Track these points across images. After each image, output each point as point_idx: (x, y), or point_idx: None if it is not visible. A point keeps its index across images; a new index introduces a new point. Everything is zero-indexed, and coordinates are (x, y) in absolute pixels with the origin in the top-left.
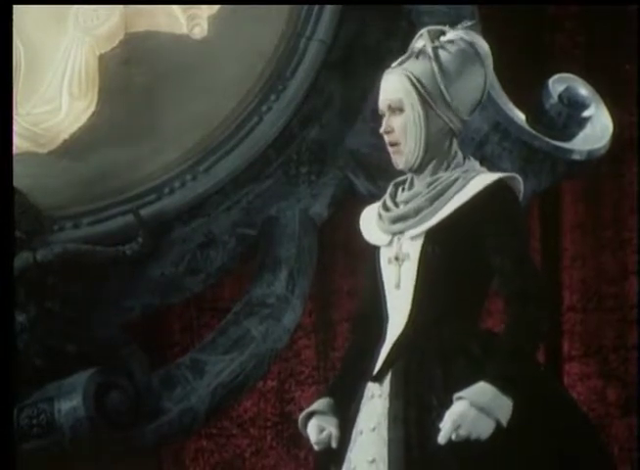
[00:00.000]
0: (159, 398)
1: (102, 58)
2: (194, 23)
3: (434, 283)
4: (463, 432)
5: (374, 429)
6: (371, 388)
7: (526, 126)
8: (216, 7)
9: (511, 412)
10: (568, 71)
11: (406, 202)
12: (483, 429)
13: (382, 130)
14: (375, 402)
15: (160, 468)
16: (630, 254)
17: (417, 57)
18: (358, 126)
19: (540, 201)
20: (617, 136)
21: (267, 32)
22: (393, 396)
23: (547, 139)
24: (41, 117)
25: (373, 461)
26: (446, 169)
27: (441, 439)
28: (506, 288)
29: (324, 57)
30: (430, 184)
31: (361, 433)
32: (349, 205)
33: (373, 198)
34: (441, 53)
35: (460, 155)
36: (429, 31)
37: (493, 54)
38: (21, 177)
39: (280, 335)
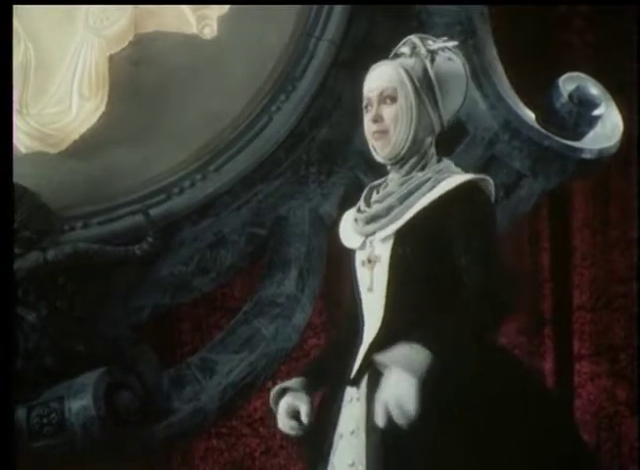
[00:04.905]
0: (168, 397)
1: (112, 58)
2: (204, 23)
3: (406, 285)
4: (391, 401)
5: (353, 432)
6: (350, 391)
7: (537, 125)
8: (226, 7)
9: (429, 366)
10: (578, 71)
11: (379, 201)
12: (405, 388)
13: (369, 119)
14: (354, 406)
15: (170, 467)
16: None
17: (410, 56)
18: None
19: (550, 200)
20: (627, 135)
21: (277, 33)
22: (370, 399)
23: (557, 138)
24: (51, 117)
25: (352, 465)
26: (422, 169)
27: (379, 421)
28: (468, 287)
29: (333, 57)
30: (402, 184)
31: (341, 437)
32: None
33: None
34: (436, 57)
35: (435, 156)
36: (419, 38)
37: (504, 53)
38: (31, 177)
39: (290, 334)
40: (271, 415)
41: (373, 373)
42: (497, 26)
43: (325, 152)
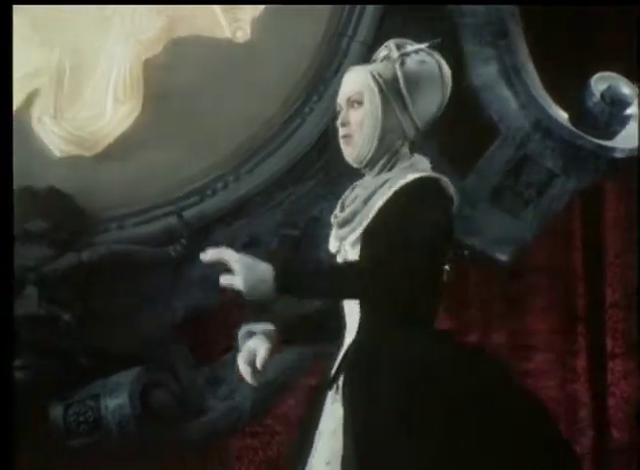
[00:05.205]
0: (203, 396)
1: (146, 62)
2: (236, 26)
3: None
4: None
5: (334, 432)
6: (331, 394)
7: (569, 125)
8: (259, 10)
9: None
10: (610, 70)
11: (348, 205)
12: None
13: (338, 123)
14: (335, 407)
15: (205, 466)
16: None
17: (382, 61)
18: None
19: (582, 199)
20: None
21: (308, 35)
22: (346, 401)
23: (589, 137)
24: (86, 121)
25: (328, 463)
26: (390, 170)
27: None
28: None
29: (365, 57)
30: (367, 187)
31: (321, 436)
32: None
33: None
34: (407, 60)
35: (408, 158)
36: (395, 43)
37: (535, 53)
38: (66, 180)
39: None
40: (305, 413)
41: (349, 375)
42: (529, 27)
43: None
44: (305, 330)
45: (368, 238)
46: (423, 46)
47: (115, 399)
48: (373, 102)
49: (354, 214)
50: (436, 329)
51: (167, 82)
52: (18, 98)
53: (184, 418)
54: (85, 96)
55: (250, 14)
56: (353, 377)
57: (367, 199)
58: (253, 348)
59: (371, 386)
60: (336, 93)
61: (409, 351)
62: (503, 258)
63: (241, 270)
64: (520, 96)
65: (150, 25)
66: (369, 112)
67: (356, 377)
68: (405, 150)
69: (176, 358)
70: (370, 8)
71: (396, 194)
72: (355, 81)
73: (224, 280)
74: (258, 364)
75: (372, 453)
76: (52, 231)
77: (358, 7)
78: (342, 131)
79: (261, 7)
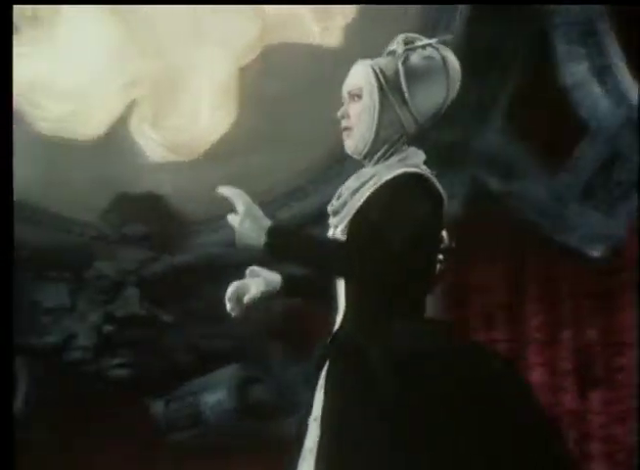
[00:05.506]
0: (299, 392)
1: (241, 70)
2: (327, 33)
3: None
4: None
5: (316, 419)
6: (320, 380)
7: None
8: (349, 17)
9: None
10: None
11: (340, 196)
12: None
13: (338, 115)
14: (320, 395)
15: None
16: None
17: (387, 55)
18: (489, 126)
19: None
20: None
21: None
22: (327, 388)
23: None
24: (183, 127)
25: (311, 450)
26: (385, 161)
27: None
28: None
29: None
30: (358, 178)
31: (313, 421)
32: (482, 203)
33: (504, 196)
34: (411, 55)
35: (403, 151)
36: (404, 38)
37: (627, 51)
38: (163, 185)
39: None
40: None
41: (332, 367)
42: (617, 27)
43: (447, 153)
44: (311, 290)
45: (353, 227)
46: (431, 41)
47: (214, 395)
48: (371, 96)
49: (344, 205)
50: (427, 321)
51: (261, 89)
52: (117, 108)
53: (280, 413)
54: (182, 104)
55: (340, 20)
56: (335, 370)
57: (355, 191)
58: (249, 285)
59: (350, 380)
60: None
61: (396, 344)
62: (596, 254)
63: (243, 215)
64: (611, 94)
65: (244, 34)
66: (367, 106)
67: (338, 370)
68: (403, 143)
69: (273, 355)
70: (460, 9)
71: (381, 187)
72: (357, 75)
73: (230, 218)
74: (245, 299)
75: (346, 447)
76: (150, 235)
77: (448, 9)
78: (342, 123)
79: (352, 13)
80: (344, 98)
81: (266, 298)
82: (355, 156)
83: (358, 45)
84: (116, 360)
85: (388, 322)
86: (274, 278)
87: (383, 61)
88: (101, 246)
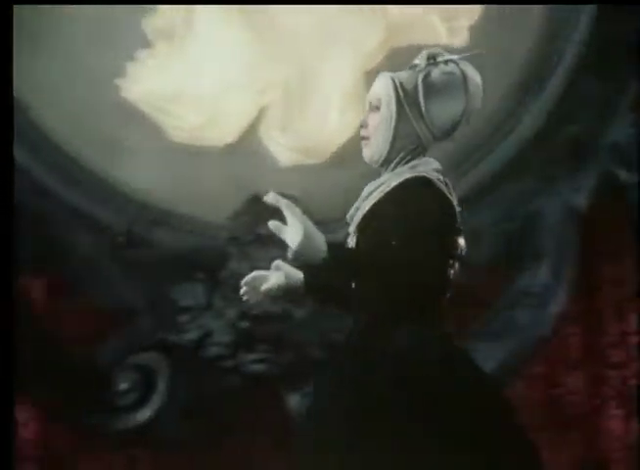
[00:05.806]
0: None
1: (367, 73)
2: (454, 33)
3: (368, 281)
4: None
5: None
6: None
7: None
8: (475, 16)
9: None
10: None
11: (356, 202)
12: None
13: (360, 124)
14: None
15: None
16: None
17: (410, 68)
18: (617, 120)
19: None
20: None
21: (524, 37)
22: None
23: None
24: (311, 131)
25: None
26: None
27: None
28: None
29: (582, 58)
30: (371, 185)
31: None
32: (610, 194)
33: (631, 187)
34: (432, 70)
35: (417, 159)
36: (428, 53)
37: None
38: (293, 187)
39: (545, 322)
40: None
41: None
42: None
43: (574, 148)
44: (329, 291)
45: (361, 232)
46: (454, 57)
47: None
48: (389, 107)
49: (356, 211)
50: (435, 326)
51: None
52: (249, 115)
53: None
54: (311, 108)
55: (466, 20)
56: (346, 372)
57: (365, 197)
58: (269, 276)
59: (359, 381)
60: (552, 93)
61: (398, 349)
62: None
63: (294, 230)
64: None
65: (370, 37)
66: (385, 117)
67: (348, 372)
68: (419, 153)
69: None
70: (586, 9)
71: (388, 193)
72: (378, 86)
73: (271, 225)
74: (262, 287)
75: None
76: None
77: (574, 9)
78: (361, 132)
79: (478, 13)
80: (366, 108)
81: (286, 292)
82: (372, 164)
83: (484, 43)
84: (253, 356)
85: (395, 326)
86: (296, 274)
87: (404, 74)
88: (234, 246)
